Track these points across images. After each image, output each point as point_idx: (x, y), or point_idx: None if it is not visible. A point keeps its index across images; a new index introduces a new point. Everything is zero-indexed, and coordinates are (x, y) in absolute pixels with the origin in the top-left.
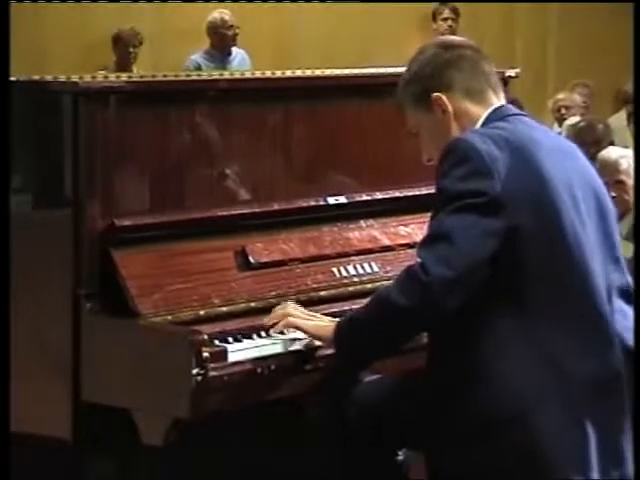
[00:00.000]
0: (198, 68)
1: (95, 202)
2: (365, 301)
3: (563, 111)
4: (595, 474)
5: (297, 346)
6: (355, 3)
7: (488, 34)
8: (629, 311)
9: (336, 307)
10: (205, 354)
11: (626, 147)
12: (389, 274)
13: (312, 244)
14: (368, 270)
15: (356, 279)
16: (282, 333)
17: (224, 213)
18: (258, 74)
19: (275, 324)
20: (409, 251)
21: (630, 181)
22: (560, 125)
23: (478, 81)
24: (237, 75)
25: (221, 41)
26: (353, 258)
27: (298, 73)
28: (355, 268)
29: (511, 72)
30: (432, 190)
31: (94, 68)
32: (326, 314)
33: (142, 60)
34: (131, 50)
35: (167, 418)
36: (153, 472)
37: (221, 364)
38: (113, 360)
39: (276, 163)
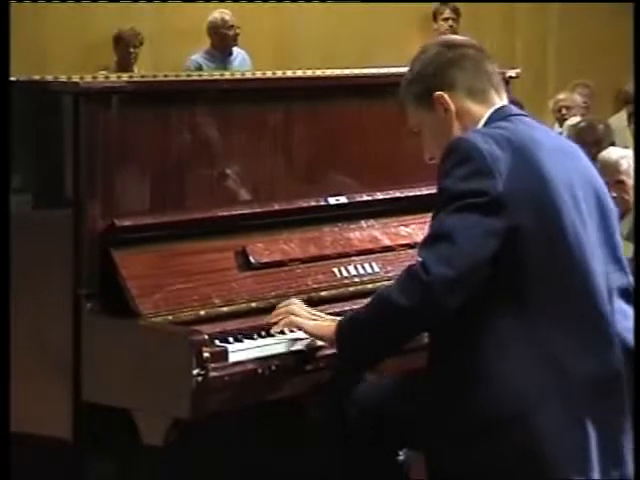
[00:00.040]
0: (199, 68)
1: (95, 202)
2: (366, 301)
3: (564, 111)
4: (595, 474)
5: (298, 346)
6: (355, 3)
7: (489, 34)
8: (630, 311)
9: (337, 307)
10: (206, 354)
11: (626, 147)
12: (390, 274)
13: (313, 244)
14: (369, 270)
15: (357, 279)
16: (283, 332)
17: (225, 213)
18: (259, 74)
19: (278, 322)
20: (410, 251)
21: (630, 181)
22: (561, 125)
23: (481, 81)
24: (238, 75)
25: (222, 41)
26: (354, 258)
27: (299, 73)
28: (356, 268)
29: (511, 72)
30: (433, 190)
31: (94, 68)
32: (327, 314)
33: (143, 60)
34: (132, 50)
35: (167, 418)
36: (153, 472)
37: (222, 364)
38: (113, 360)
39: (277, 163)
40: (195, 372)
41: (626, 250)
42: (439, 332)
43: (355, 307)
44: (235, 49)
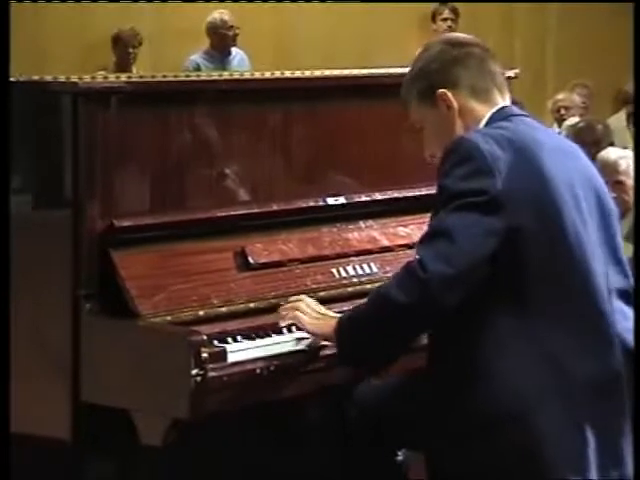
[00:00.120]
0: (197, 68)
1: (94, 203)
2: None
3: (562, 112)
4: (594, 475)
5: (297, 346)
6: (355, 3)
7: (487, 34)
8: (629, 312)
9: (336, 308)
10: (204, 355)
11: (625, 148)
12: (388, 275)
13: (311, 245)
14: (367, 271)
15: (355, 280)
16: (290, 330)
17: (223, 214)
18: (258, 74)
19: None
20: (408, 252)
21: (629, 181)
22: (559, 126)
23: (484, 80)
24: (237, 75)
25: (221, 41)
26: (352, 259)
27: (298, 74)
28: (354, 269)
29: (510, 73)
30: (432, 191)
31: (94, 68)
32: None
33: (142, 60)
34: (131, 50)
35: (166, 419)
36: (152, 472)
37: (220, 364)
38: (112, 361)
39: (276, 164)
40: (194, 372)
41: (625, 251)
42: (439, 331)
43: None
44: (234, 49)
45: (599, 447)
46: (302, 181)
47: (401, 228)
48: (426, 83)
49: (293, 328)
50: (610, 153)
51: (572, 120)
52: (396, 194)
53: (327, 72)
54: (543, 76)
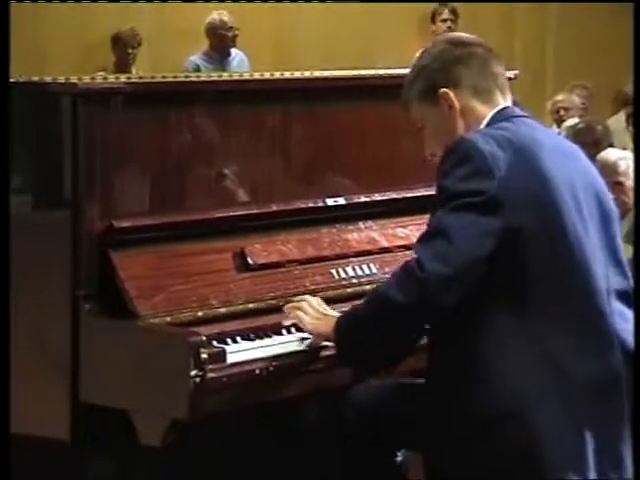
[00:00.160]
0: (197, 69)
1: (94, 203)
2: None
3: (562, 112)
4: (592, 475)
5: (296, 347)
6: (355, 3)
7: (487, 35)
8: (629, 314)
9: (335, 308)
10: (203, 355)
11: (625, 149)
12: (387, 275)
13: (311, 245)
14: (367, 271)
15: (355, 280)
16: (289, 331)
17: (223, 214)
18: (257, 75)
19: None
20: (407, 252)
21: (629, 182)
22: (559, 127)
23: (486, 80)
24: (236, 76)
25: (220, 42)
26: (352, 259)
27: (297, 74)
28: (354, 269)
29: (510, 74)
30: (430, 192)
31: (94, 68)
32: None
33: (141, 61)
34: (130, 51)
35: (165, 419)
36: (151, 473)
37: (219, 365)
38: (112, 361)
39: (275, 164)
40: (193, 373)
41: (625, 252)
42: (439, 331)
43: None
44: (233, 50)
45: (598, 448)
46: (301, 182)
47: (400, 229)
48: (428, 82)
49: (292, 329)
50: (610, 154)
51: (571, 121)
52: (395, 195)
53: (326, 73)
54: (542, 77)
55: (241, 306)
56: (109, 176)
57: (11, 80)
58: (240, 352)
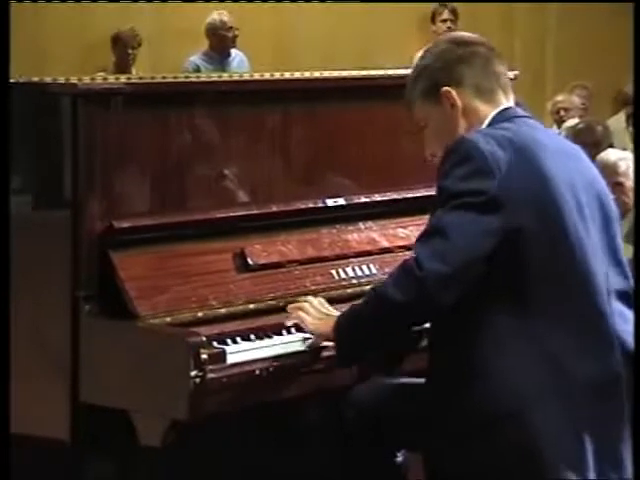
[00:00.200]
0: (197, 70)
1: (94, 204)
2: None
3: (562, 113)
4: (592, 475)
5: (296, 347)
6: (355, 3)
7: (487, 35)
8: (629, 314)
9: (336, 309)
10: (203, 356)
11: (625, 149)
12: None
13: (311, 246)
14: (367, 272)
15: (355, 281)
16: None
17: (223, 215)
18: (257, 76)
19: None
20: (407, 253)
21: (629, 183)
22: (559, 127)
23: (489, 80)
24: (236, 77)
25: (220, 43)
26: (352, 260)
27: (297, 75)
28: (354, 270)
29: (510, 74)
30: (431, 192)
31: (94, 68)
32: None
33: (141, 61)
34: (130, 51)
35: (165, 420)
36: (151, 473)
37: (219, 366)
38: (111, 362)
39: (275, 165)
40: (193, 374)
41: (625, 252)
42: (439, 331)
43: None
44: (233, 50)
45: (598, 449)
46: (301, 182)
47: (400, 229)
48: (430, 81)
49: (292, 329)
50: (610, 154)
51: (571, 121)
52: (395, 195)
53: (326, 73)
54: (542, 77)
55: (241, 306)
56: (109, 176)
57: (11, 80)
58: (240, 352)
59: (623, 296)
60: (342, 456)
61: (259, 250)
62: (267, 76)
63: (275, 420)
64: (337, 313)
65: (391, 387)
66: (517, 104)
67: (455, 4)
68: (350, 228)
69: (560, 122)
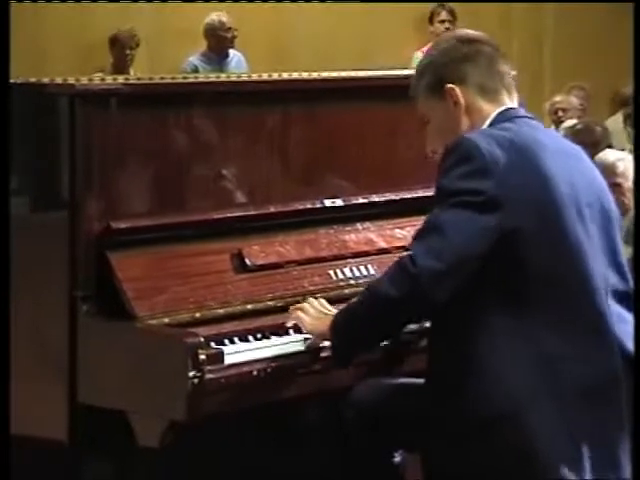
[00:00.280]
0: (195, 70)
1: (92, 204)
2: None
3: (560, 114)
4: (588, 475)
5: (294, 348)
6: (354, 3)
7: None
8: (628, 316)
9: (335, 309)
10: (201, 356)
11: (623, 150)
12: None
13: (308, 246)
14: (364, 273)
15: (352, 281)
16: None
17: (221, 215)
18: (255, 76)
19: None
20: (405, 254)
21: (627, 184)
22: (557, 128)
23: (493, 79)
24: (234, 77)
25: (218, 43)
26: (349, 260)
27: (295, 75)
28: (351, 270)
29: None
30: (429, 193)
31: (94, 69)
32: None
33: (140, 61)
34: (128, 52)
35: (163, 420)
36: (150, 474)
37: (217, 366)
38: (109, 362)
39: (273, 165)
40: (191, 374)
41: (624, 253)
42: (437, 331)
43: None
44: (231, 51)
45: (594, 451)
46: (299, 183)
47: (398, 230)
48: (435, 77)
49: (291, 330)
50: (608, 155)
51: (569, 122)
52: (393, 196)
53: (325, 74)
54: (541, 78)
55: (239, 307)
56: (107, 177)
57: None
58: (238, 353)
59: (622, 297)
60: (341, 456)
61: (257, 251)
62: (265, 77)
63: (274, 420)
64: (335, 312)
65: (390, 387)
66: (520, 104)
67: (453, 4)
68: (348, 229)
69: (558, 123)
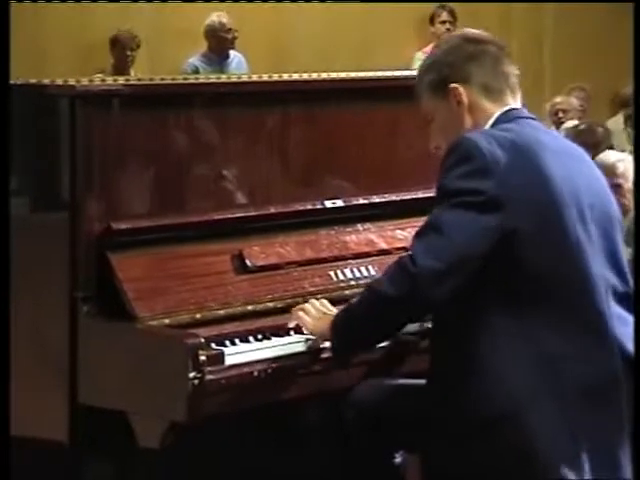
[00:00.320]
0: (195, 71)
1: (92, 205)
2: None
3: (560, 115)
4: (588, 475)
5: (294, 349)
6: (354, 4)
7: None
8: (629, 318)
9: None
10: (202, 357)
11: (623, 151)
12: None
13: (309, 247)
14: (365, 274)
15: (353, 282)
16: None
17: (221, 216)
18: (255, 77)
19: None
20: (405, 253)
21: (627, 185)
22: (557, 129)
23: (497, 80)
24: (234, 78)
25: (219, 44)
26: (350, 261)
27: (295, 76)
28: (352, 271)
29: None
30: (429, 194)
31: (94, 69)
32: None
33: (140, 62)
34: (128, 53)
35: (164, 421)
36: (150, 475)
37: (218, 367)
38: (110, 363)
39: (273, 166)
40: (191, 375)
41: (624, 253)
42: (438, 331)
43: None
44: (232, 52)
45: (593, 451)
46: (300, 184)
47: (399, 231)
48: (439, 75)
49: (291, 332)
50: (608, 156)
51: (570, 123)
52: (394, 197)
53: (325, 75)
54: (541, 79)
55: (239, 308)
56: (107, 178)
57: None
58: (238, 354)
59: (622, 298)
60: (342, 457)
61: (257, 252)
62: (265, 78)
63: (274, 421)
64: (336, 311)
65: (391, 387)
66: (523, 105)
67: (454, 4)
68: (348, 230)
69: (558, 124)
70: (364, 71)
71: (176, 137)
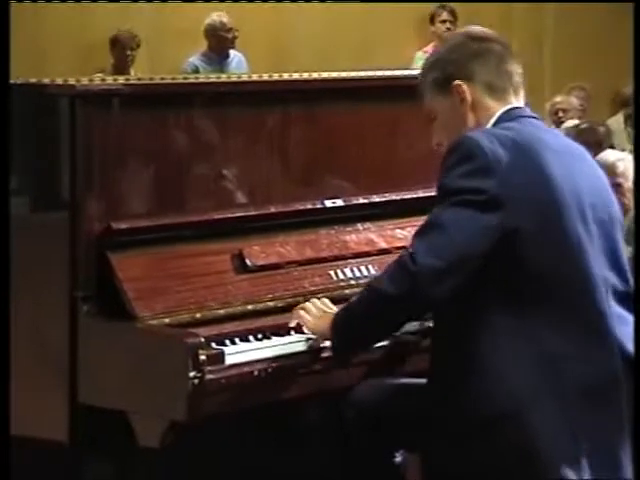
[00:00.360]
0: (196, 71)
1: (92, 205)
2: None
3: (560, 114)
4: (588, 474)
5: (294, 348)
6: (354, 3)
7: None
8: (629, 318)
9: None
10: (202, 357)
11: (623, 150)
12: None
13: (309, 247)
14: (365, 273)
15: (353, 282)
16: (288, 332)
17: (221, 216)
18: (255, 77)
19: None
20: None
21: (627, 184)
22: (557, 128)
23: (501, 78)
24: (234, 78)
25: (219, 44)
26: (350, 261)
27: (295, 76)
28: (352, 271)
29: None
30: (429, 193)
31: (94, 69)
32: None
33: (140, 61)
34: (129, 53)
35: (164, 421)
36: (150, 474)
37: (218, 367)
38: (110, 363)
39: (273, 166)
40: (191, 375)
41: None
42: (439, 330)
43: None
44: (232, 51)
45: (594, 451)
46: (300, 183)
47: (399, 230)
48: (442, 73)
49: (291, 331)
50: (608, 155)
51: (570, 123)
52: (394, 196)
53: (325, 74)
54: (541, 78)
55: (240, 307)
56: (107, 177)
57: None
58: (239, 353)
59: (622, 298)
60: (342, 456)
61: (257, 251)
62: (266, 77)
63: (274, 420)
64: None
65: (391, 387)
66: (526, 104)
67: (454, 4)
68: (348, 229)
69: (558, 123)
70: (364, 70)
71: (176, 137)
